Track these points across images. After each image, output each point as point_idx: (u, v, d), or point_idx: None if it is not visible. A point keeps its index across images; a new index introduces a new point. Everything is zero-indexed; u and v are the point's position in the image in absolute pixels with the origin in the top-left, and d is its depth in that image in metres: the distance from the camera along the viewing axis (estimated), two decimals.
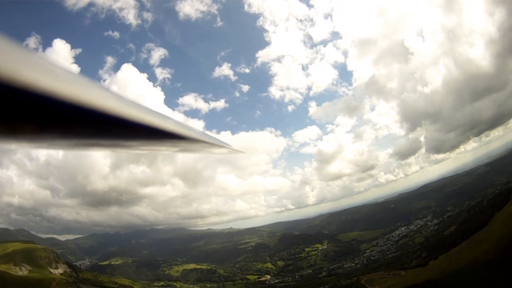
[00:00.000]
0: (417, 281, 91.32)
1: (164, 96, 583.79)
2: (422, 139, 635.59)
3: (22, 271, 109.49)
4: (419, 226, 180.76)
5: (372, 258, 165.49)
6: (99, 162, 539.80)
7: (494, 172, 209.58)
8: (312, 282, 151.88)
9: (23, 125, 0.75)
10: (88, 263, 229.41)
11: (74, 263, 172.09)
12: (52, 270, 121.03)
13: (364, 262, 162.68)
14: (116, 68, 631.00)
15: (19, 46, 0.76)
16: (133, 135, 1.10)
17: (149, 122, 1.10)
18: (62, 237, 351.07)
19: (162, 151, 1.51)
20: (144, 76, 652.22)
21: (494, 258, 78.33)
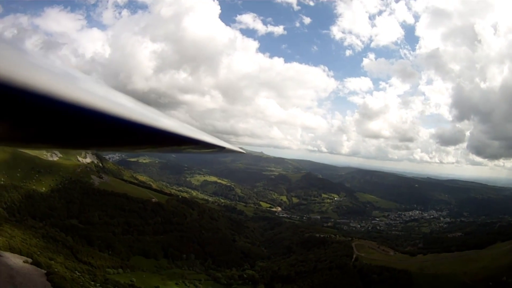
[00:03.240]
0: (396, 267, 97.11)
1: (220, 11, 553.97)
2: (467, 134, 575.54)
3: (53, 157, 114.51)
4: (432, 216, 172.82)
5: (378, 227, 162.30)
6: (143, 64, 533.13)
7: None
8: (314, 227, 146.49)
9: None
10: (118, 157, 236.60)
11: (104, 156, 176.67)
12: (80, 159, 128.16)
13: (369, 228, 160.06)
14: None
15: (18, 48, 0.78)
16: (126, 137, 1.07)
17: (143, 122, 1.06)
18: None
19: (156, 151, 1.46)
20: None
21: (469, 284, 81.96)
